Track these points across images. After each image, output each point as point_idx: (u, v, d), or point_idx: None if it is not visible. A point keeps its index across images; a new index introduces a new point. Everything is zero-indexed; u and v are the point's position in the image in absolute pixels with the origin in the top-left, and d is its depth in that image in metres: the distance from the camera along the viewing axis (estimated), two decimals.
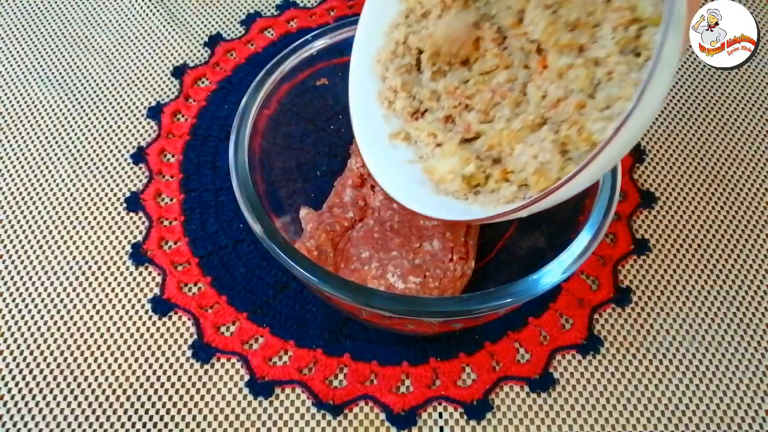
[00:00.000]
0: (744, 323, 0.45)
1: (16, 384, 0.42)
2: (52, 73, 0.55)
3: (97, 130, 0.52)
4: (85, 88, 0.55)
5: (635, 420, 0.41)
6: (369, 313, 0.38)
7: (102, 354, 0.43)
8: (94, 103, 0.54)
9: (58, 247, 0.47)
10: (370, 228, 0.43)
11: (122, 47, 0.57)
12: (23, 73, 0.55)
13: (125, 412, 0.41)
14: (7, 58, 0.56)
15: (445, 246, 0.42)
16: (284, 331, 0.44)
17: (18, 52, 0.57)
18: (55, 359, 0.43)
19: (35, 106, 0.54)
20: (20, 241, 0.47)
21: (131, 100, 0.54)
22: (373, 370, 0.42)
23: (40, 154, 0.51)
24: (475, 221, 0.34)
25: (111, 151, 0.52)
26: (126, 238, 0.47)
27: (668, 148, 0.52)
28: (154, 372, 0.42)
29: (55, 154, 0.51)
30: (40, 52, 0.57)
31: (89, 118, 0.53)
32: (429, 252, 0.41)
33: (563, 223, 0.41)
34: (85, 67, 0.56)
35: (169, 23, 0.59)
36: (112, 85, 0.55)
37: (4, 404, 0.41)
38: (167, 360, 0.43)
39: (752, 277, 0.46)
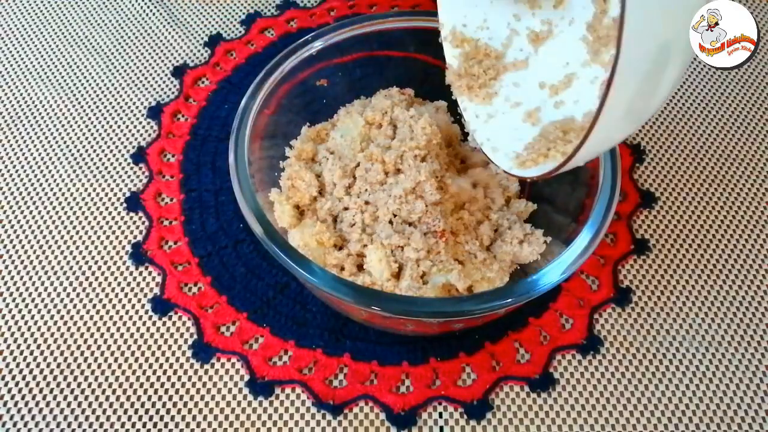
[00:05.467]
0: (744, 323, 0.45)
1: (16, 384, 0.42)
2: (52, 73, 0.55)
3: (97, 130, 0.52)
4: (85, 88, 0.55)
5: (635, 420, 0.41)
6: (368, 314, 0.38)
7: (102, 354, 0.43)
8: (94, 103, 0.54)
9: (58, 247, 0.47)
10: None
11: (122, 47, 0.57)
12: (23, 73, 0.55)
13: (125, 412, 0.41)
14: (7, 58, 0.56)
15: None
16: (284, 331, 0.44)
17: (18, 52, 0.57)
18: (55, 359, 0.43)
19: (35, 106, 0.54)
20: (20, 241, 0.47)
21: (131, 100, 0.54)
22: (373, 370, 0.42)
23: (40, 154, 0.51)
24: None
25: (111, 151, 0.52)
26: (126, 238, 0.47)
27: (668, 148, 0.52)
28: (154, 372, 0.42)
29: (55, 154, 0.51)
30: (40, 52, 0.57)
31: (89, 118, 0.53)
32: None
33: (563, 222, 0.41)
34: (85, 67, 0.56)
35: (169, 23, 0.59)
36: (112, 85, 0.55)
37: (4, 404, 0.41)
38: (167, 360, 0.43)
39: (752, 277, 0.46)
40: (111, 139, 0.52)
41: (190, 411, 0.41)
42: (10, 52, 0.57)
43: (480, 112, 0.40)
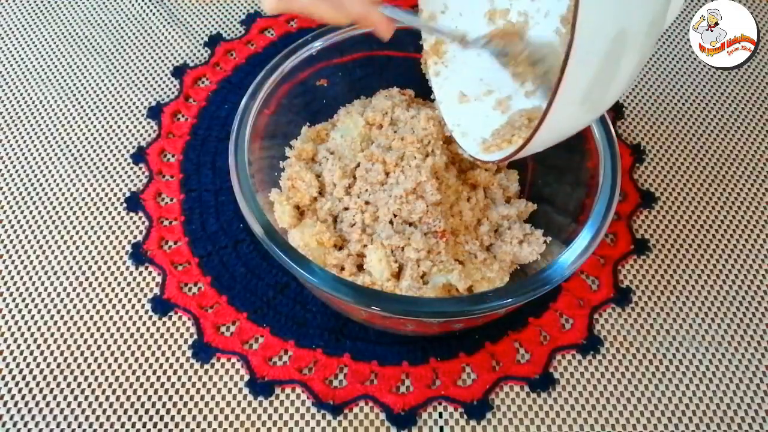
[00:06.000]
0: (744, 323, 0.45)
1: (16, 384, 0.42)
2: (52, 73, 0.55)
3: (97, 130, 0.52)
4: (85, 88, 0.55)
5: (635, 420, 0.41)
6: (368, 314, 0.38)
7: (102, 354, 0.43)
8: (94, 103, 0.54)
9: (58, 247, 0.47)
10: None
11: (122, 47, 0.57)
12: (23, 73, 0.55)
13: (125, 412, 0.41)
14: (7, 58, 0.56)
15: None
16: (284, 331, 0.44)
17: (18, 52, 0.57)
18: (55, 359, 0.43)
19: (35, 106, 0.54)
20: (20, 241, 0.47)
21: (131, 100, 0.54)
22: (373, 370, 0.42)
23: (40, 154, 0.51)
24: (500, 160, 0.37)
25: (111, 151, 0.52)
26: (126, 238, 0.47)
27: (668, 148, 0.52)
28: (154, 372, 0.42)
29: (55, 154, 0.51)
30: (40, 52, 0.57)
31: (89, 118, 0.53)
32: None
33: (563, 222, 0.41)
34: (85, 67, 0.56)
35: (169, 23, 0.59)
36: (112, 85, 0.55)
37: (4, 404, 0.41)
38: (167, 360, 0.43)
39: (752, 277, 0.46)
40: (111, 139, 0.52)
41: (190, 411, 0.41)
42: (10, 52, 0.57)
43: (451, 98, 0.40)
